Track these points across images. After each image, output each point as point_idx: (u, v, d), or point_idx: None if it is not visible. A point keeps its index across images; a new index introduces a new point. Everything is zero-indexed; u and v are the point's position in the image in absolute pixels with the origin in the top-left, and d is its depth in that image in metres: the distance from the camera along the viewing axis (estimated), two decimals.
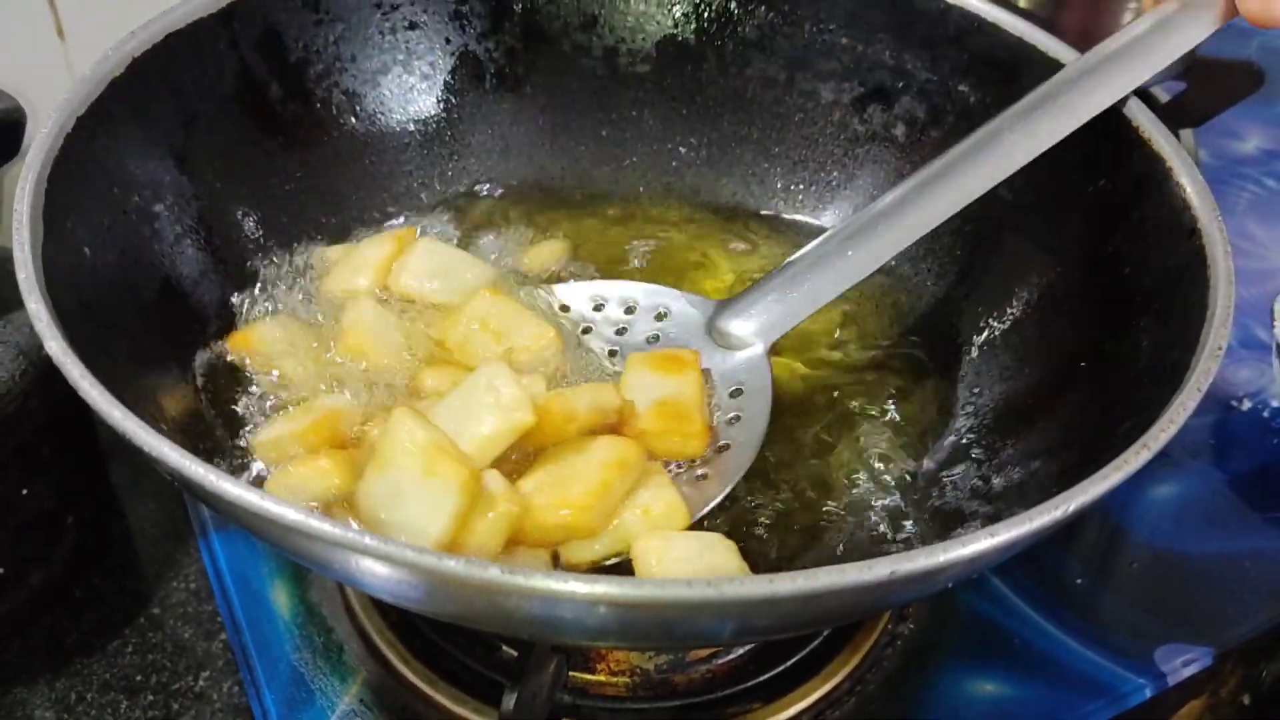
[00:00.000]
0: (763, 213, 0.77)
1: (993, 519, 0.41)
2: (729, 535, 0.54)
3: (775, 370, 0.63)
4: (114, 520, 0.68)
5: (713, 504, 0.56)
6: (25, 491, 0.61)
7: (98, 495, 0.69)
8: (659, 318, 0.66)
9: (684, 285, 0.70)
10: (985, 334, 0.67)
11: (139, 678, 0.60)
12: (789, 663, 0.61)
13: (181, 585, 0.65)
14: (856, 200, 0.75)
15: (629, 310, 0.67)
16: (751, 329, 0.63)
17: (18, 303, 0.46)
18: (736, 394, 0.61)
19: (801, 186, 0.76)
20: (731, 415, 0.61)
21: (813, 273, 0.62)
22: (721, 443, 0.59)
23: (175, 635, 0.62)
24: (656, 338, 0.65)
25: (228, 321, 0.63)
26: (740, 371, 0.62)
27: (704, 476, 0.58)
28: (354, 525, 0.47)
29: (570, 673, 0.58)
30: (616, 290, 0.67)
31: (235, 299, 0.64)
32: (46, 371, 0.43)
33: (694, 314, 0.65)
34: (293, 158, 0.68)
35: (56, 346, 0.43)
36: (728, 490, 0.57)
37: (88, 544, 0.66)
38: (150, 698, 0.60)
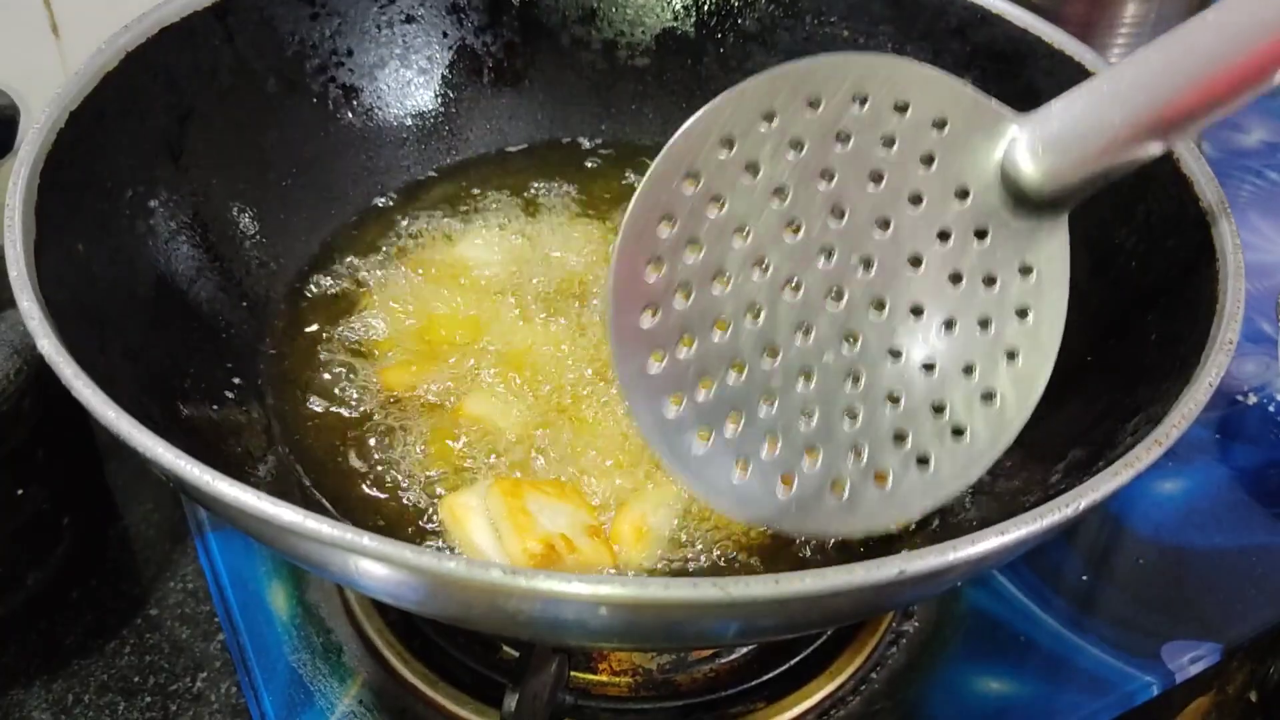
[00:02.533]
0: None
1: (1000, 517, 0.40)
2: (725, 533, 0.53)
3: None
4: (111, 521, 0.68)
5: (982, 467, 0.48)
6: (21, 493, 0.61)
7: (94, 496, 0.69)
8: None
9: None
10: None
11: (136, 679, 0.60)
12: (793, 661, 0.61)
13: (179, 586, 0.64)
14: None
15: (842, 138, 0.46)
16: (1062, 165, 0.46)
17: (11, 301, 0.45)
18: (1025, 272, 0.48)
19: None
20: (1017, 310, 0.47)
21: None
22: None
23: (173, 636, 0.62)
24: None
25: (231, 317, 0.63)
26: (1031, 244, 0.47)
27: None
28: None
29: (572, 673, 0.58)
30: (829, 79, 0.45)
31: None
32: (41, 371, 0.42)
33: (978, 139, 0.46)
34: (289, 153, 0.68)
35: (49, 345, 0.43)
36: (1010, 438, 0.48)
37: (84, 545, 0.65)
38: (148, 699, 0.59)
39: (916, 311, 0.47)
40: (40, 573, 0.63)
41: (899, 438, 0.47)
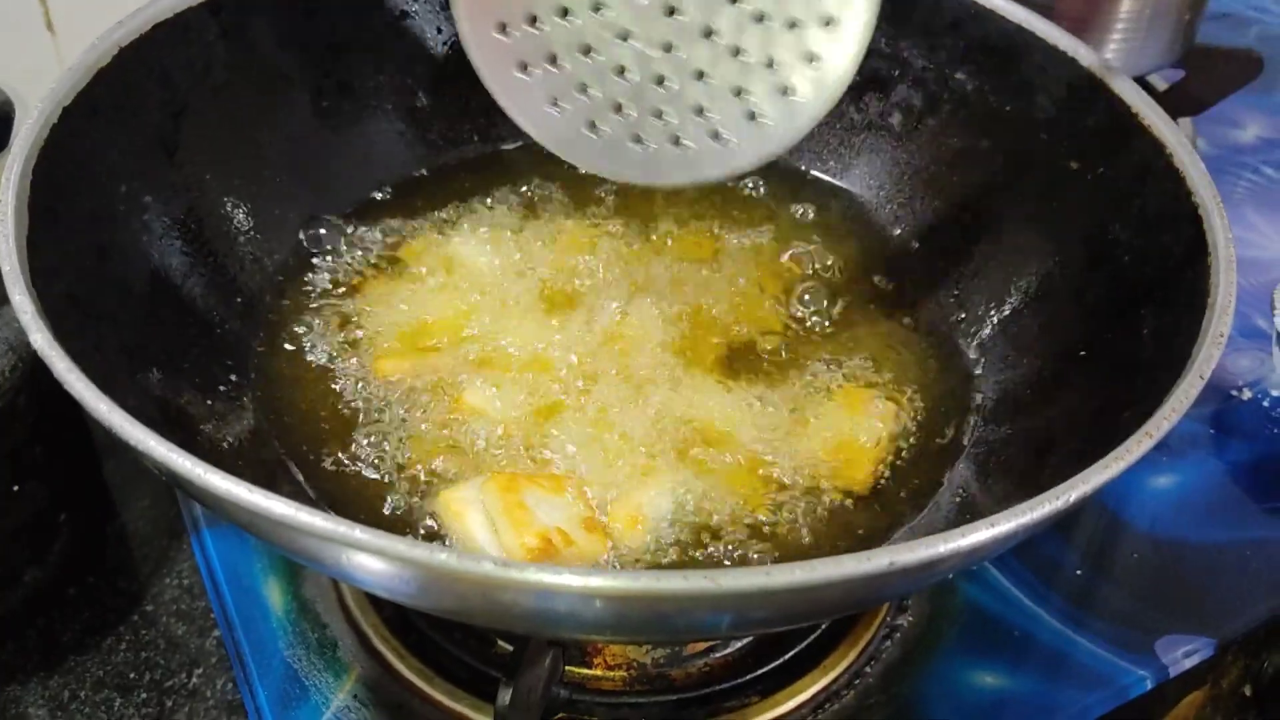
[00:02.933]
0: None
1: (993, 509, 0.40)
2: (732, 521, 0.54)
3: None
4: (108, 519, 0.68)
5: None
6: (18, 490, 0.61)
7: (91, 494, 0.69)
8: None
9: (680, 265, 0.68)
10: (985, 324, 0.67)
11: (133, 675, 0.60)
12: (787, 656, 0.61)
13: (175, 582, 0.64)
14: (853, 189, 0.75)
15: None
16: None
17: (5, 297, 0.45)
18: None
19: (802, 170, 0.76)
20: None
21: None
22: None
23: (169, 632, 0.62)
24: None
25: (225, 312, 0.63)
26: None
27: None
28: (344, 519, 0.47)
29: (567, 667, 0.58)
30: None
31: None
32: (38, 368, 0.42)
33: None
34: (283, 148, 0.68)
35: (42, 339, 0.43)
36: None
37: (81, 542, 0.65)
38: (144, 695, 0.59)
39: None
40: (37, 570, 0.63)
41: (701, 110, 0.55)
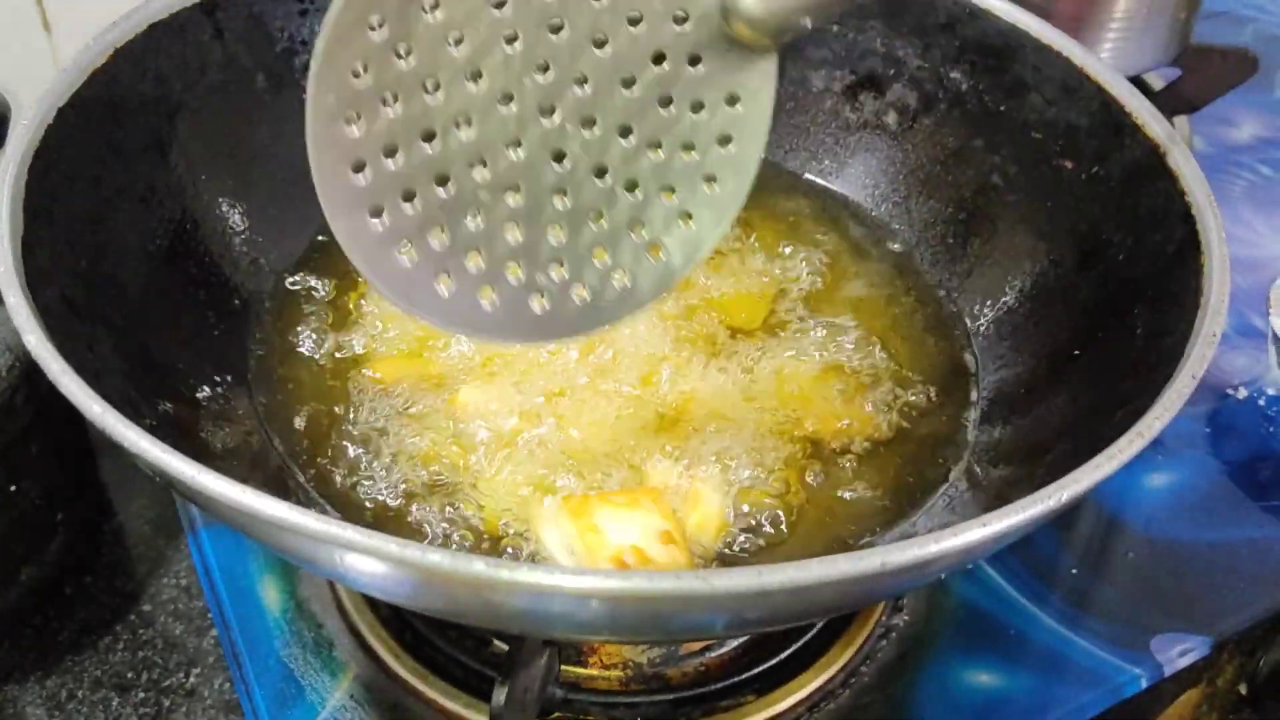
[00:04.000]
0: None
1: (986, 508, 0.40)
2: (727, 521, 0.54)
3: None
4: (104, 518, 0.68)
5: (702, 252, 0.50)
6: (14, 489, 0.61)
7: (87, 492, 0.69)
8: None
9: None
10: (979, 322, 0.67)
11: (130, 675, 0.60)
12: (783, 655, 0.61)
13: (172, 582, 0.64)
14: (848, 189, 0.75)
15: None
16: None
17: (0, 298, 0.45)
18: (732, 102, 0.48)
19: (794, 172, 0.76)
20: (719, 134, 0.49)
21: None
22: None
23: (166, 632, 0.62)
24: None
25: (221, 313, 0.63)
26: (742, 75, 0.48)
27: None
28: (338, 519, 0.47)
29: (562, 666, 0.58)
30: None
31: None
32: (34, 367, 0.43)
33: None
34: (279, 149, 0.68)
35: (34, 340, 0.43)
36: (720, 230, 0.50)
37: (78, 541, 0.65)
38: (141, 695, 0.59)
39: (625, 132, 0.48)
40: (34, 569, 0.63)
41: (596, 253, 0.49)
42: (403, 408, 0.60)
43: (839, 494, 0.59)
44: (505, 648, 0.59)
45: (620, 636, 0.53)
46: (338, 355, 0.63)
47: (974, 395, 0.64)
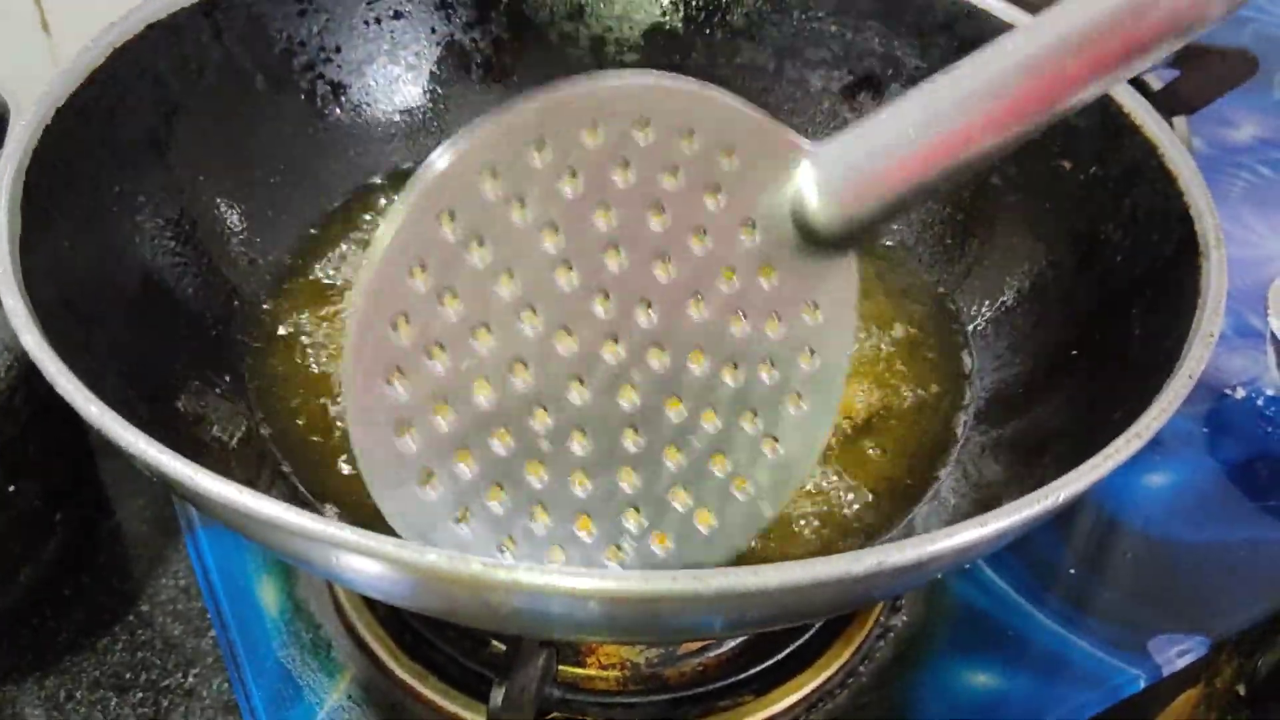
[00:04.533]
0: None
1: (983, 508, 0.40)
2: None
3: None
4: (103, 518, 0.68)
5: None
6: (12, 489, 0.61)
7: (86, 493, 0.69)
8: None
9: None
10: (977, 323, 0.67)
11: (128, 675, 0.60)
12: (781, 655, 0.61)
13: (171, 582, 0.64)
14: None
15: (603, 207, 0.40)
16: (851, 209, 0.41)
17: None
18: (813, 309, 0.44)
19: None
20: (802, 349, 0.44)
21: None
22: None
23: (165, 632, 0.62)
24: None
25: (219, 313, 0.63)
26: (819, 283, 0.43)
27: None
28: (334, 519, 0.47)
29: (560, 666, 0.58)
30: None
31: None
32: (32, 368, 0.43)
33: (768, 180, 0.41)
34: (277, 149, 0.68)
35: (32, 340, 0.43)
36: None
37: (76, 542, 0.66)
38: (140, 695, 0.59)
39: (697, 356, 0.43)
40: (32, 569, 0.63)
41: (676, 494, 0.44)
42: None
43: (834, 493, 0.59)
44: (503, 648, 0.59)
45: (618, 636, 0.53)
46: (335, 355, 0.63)
47: (971, 395, 0.64)
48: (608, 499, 0.43)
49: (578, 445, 0.42)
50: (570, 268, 0.40)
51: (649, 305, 0.42)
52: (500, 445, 0.41)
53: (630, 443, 0.43)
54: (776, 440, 0.45)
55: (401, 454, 0.40)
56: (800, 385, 0.45)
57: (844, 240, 0.43)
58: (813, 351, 0.44)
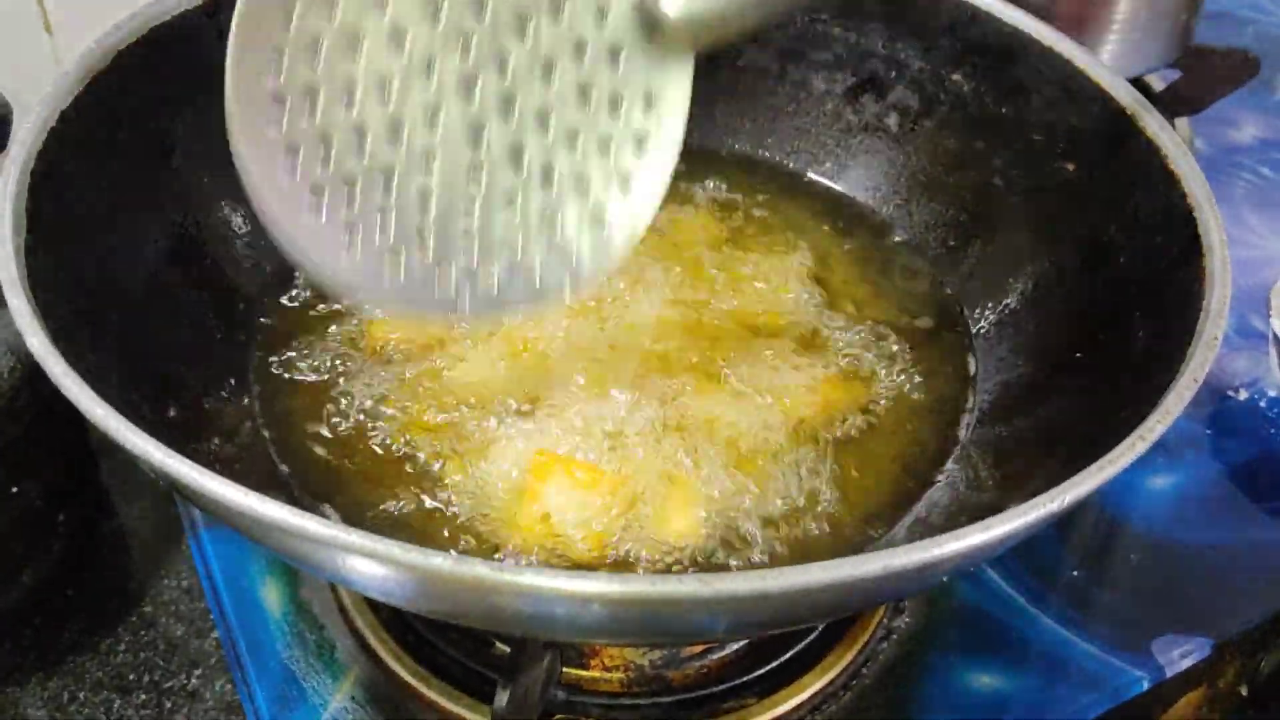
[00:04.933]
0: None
1: (988, 512, 0.40)
2: (719, 521, 0.54)
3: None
4: (105, 519, 0.68)
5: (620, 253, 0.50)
6: (15, 490, 0.61)
7: (89, 494, 0.69)
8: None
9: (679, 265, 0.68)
10: (981, 325, 0.67)
11: (131, 676, 0.60)
12: (784, 657, 0.61)
13: (174, 583, 0.65)
14: (850, 191, 0.75)
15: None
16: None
17: (3, 300, 0.45)
18: (649, 103, 0.50)
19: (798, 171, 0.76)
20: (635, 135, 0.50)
21: None
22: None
23: (168, 633, 0.62)
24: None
25: (223, 316, 0.63)
26: (658, 76, 0.49)
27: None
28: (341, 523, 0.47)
29: (564, 669, 0.58)
30: None
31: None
32: (36, 369, 0.43)
33: None
34: None
35: (37, 342, 0.43)
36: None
37: (79, 543, 0.66)
38: (143, 696, 0.59)
39: (542, 121, 0.48)
40: (35, 570, 0.63)
41: (506, 240, 0.49)
42: (404, 413, 0.60)
43: (838, 495, 0.59)
44: (507, 650, 0.59)
45: (622, 639, 0.53)
46: (339, 359, 0.63)
47: (975, 397, 0.64)
48: (445, 228, 0.47)
49: (425, 177, 0.47)
50: (437, 17, 0.45)
51: (505, 64, 0.47)
52: (357, 157, 0.45)
53: (473, 186, 0.48)
54: (601, 221, 0.50)
55: (270, 133, 0.45)
56: (632, 172, 0.50)
57: (684, 38, 0.48)
58: (644, 142, 0.50)
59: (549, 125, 0.48)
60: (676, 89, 0.49)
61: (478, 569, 0.36)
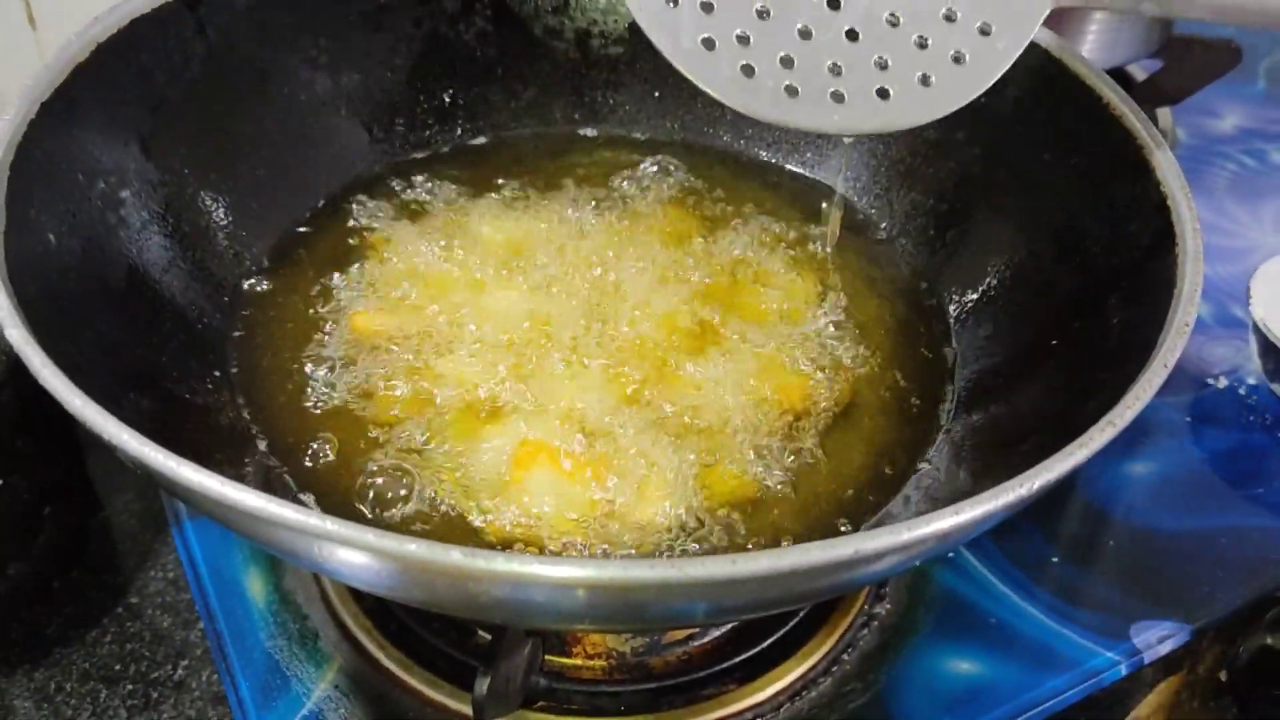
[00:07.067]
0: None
1: (963, 495, 0.40)
2: (697, 509, 0.54)
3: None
4: (92, 512, 0.68)
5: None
6: (1, 484, 0.61)
7: (75, 487, 0.69)
8: None
9: (659, 255, 0.68)
10: (958, 313, 0.67)
11: (118, 667, 0.60)
12: (765, 643, 0.61)
13: (160, 575, 0.65)
14: (829, 180, 0.75)
15: None
16: None
17: None
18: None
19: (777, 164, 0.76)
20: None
21: None
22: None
23: (154, 625, 0.62)
24: None
25: (205, 306, 0.63)
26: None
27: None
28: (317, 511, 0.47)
29: (546, 656, 0.58)
30: None
31: None
32: (20, 364, 0.43)
33: None
34: (261, 143, 0.68)
35: (17, 334, 0.43)
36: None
37: (66, 536, 0.66)
38: (129, 687, 0.60)
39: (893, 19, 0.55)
40: (21, 563, 0.63)
41: (842, 68, 0.57)
42: (385, 401, 0.60)
43: (814, 481, 0.59)
44: (489, 638, 0.59)
45: (600, 625, 0.53)
46: (319, 349, 0.63)
47: (952, 384, 0.64)
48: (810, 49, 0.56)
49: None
50: None
51: None
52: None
53: (827, 30, 0.56)
54: (928, 81, 0.56)
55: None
56: (968, 50, 0.56)
57: None
58: (989, 31, 0.56)
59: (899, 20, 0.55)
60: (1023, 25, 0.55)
61: (452, 555, 0.36)
